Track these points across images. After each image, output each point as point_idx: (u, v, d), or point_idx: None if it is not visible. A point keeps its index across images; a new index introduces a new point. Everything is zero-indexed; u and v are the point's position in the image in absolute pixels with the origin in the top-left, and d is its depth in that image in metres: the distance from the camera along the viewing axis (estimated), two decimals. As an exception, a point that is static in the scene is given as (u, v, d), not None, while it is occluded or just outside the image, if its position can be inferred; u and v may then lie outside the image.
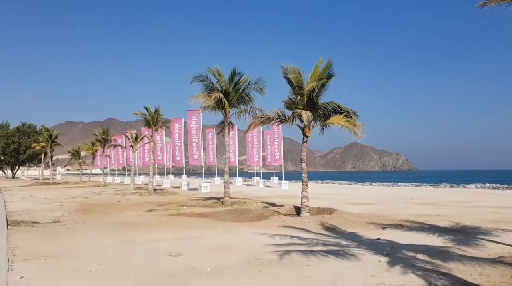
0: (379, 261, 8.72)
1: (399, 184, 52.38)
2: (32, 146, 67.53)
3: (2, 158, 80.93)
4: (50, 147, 60.30)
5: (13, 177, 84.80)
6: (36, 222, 15.29)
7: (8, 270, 7.89)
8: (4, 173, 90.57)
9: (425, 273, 7.67)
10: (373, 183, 55.27)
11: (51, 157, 62.21)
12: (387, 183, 54.19)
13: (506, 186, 41.54)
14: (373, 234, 12.22)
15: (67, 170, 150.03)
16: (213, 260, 8.83)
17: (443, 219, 15.50)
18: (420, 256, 9.14)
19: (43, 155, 65.75)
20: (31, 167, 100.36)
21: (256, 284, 7.11)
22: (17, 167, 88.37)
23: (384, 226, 13.67)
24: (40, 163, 72.14)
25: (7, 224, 14.37)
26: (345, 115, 15.36)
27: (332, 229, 13.15)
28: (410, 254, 9.37)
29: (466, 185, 45.73)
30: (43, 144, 60.33)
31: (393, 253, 9.41)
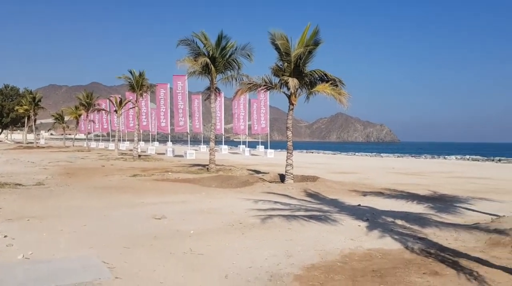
0: (359, 226, 8.96)
1: (381, 154, 53.09)
2: (15, 108, 66.29)
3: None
4: (34, 110, 59.31)
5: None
6: (20, 184, 15.23)
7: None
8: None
9: (402, 237, 7.92)
10: (356, 153, 55.93)
11: (35, 121, 61.28)
12: (370, 153, 54.87)
13: (485, 158, 42.46)
14: (354, 200, 12.49)
15: (51, 134, 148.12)
16: (197, 223, 8.97)
17: (423, 188, 15.87)
18: (398, 221, 9.42)
19: (26, 118, 64.68)
20: (15, 130, 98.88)
21: (238, 245, 7.27)
22: (0, 130, 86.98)
23: (365, 194, 13.96)
24: (24, 126, 71.05)
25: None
26: (331, 83, 15.36)
27: (314, 196, 13.38)
28: (389, 219, 9.64)
29: (446, 157, 46.59)
30: (26, 107, 59.28)
31: (373, 219, 9.66)
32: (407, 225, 9.09)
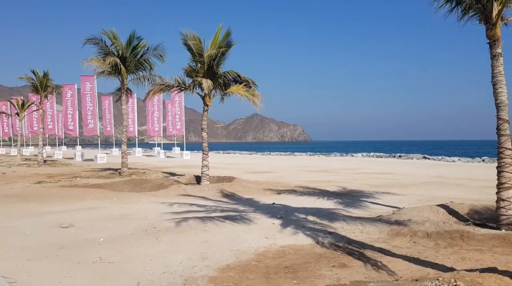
0: (273, 224, 9.17)
1: (295, 153, 54.92)
2: None
3: None
4: None
5: None
6: None
7: None
8: None
9: (313, 232, 8.25)
10: (272, 153, 57.27)
11: None
12: (285, 153, 56.50)
13: (387, 155, 45.69)
14: (269, 199, 12.77)
15: None
16: (107, 231, 8.59)
17: (333, 185, 16.68)
18: (310, 217, 9.79)
19: None
20: None
21: (152, 251, 7.09)
22: None
23: (279, 192, 14.34)
24: None
25: None
26: (245, 85, 15.57)
27: (230, 196, 13.47)
28: (302, 216, 9.99)
29: (354, 154, 49.39)
30: None
31: (286, 216, 9.95)
32: (318, 220, 9.49)
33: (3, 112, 46.31)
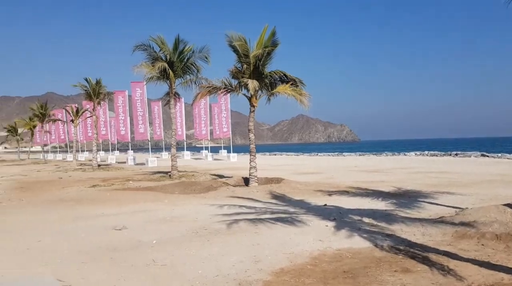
0: (326, 226, 8.82)
1: (343, 153, 53.87)
2: (-38, 122, 62.99)
3: None
4: (-17, 124, 56.51)
5: None
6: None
7: None
8: None
9: (371, 235, 7.83)
10: (319, 154, 56.49)
11: (-15, 134, 58.40)
12: (333, 153, 55.57)
13: (442, 153, 43.80)
14: (320, 200, 12.40)
15: (5, 147, 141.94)
16: (159, 233, 8.57)
17: (386, 185, 16.02)
18: (365, 219, 9.35)
19: (-25, 132, 61.55)
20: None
21: (204, 253, 6.95)
22: None
23: (330, 193, 13.92)
24: (-27, 140, 67.54)
25: None
26: (291, 84, 15.27)
27: (280, 198, 13.21)
28: (356, 218, 9.57)
29: (406, 153, 47.76)
30: (-26, 120, 56.40)
31: (340, 218, 9.56)
32: (375, 222, 9.04)
33: (59, 120, 48.48)
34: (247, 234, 8.18)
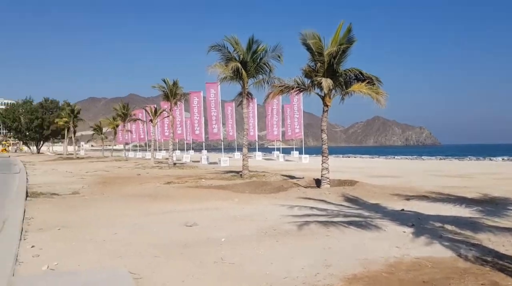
0: (404, 232, 8.27)
1: (422, 157, 51.31)
2: (55, 121, 68.46)
3: (27, 133, 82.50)
4: (73, 122, 61.03)
5: (38, 152, 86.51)
6: (55, 194, 15.29)
7: (20, 240, 7.75)
8: (29, 148, 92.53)
9: (453, 244, 7.19)
10: (396, 157, 54.28)
11: (74, 132, 63.07)
12: (410, 156, 53.14)
13: (535, 159, 40.17)
14: (396, 205, 11.74)
15: (92, 145, 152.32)
16: (229, 230, 8.53)
17: (470, 191, 14.85)
18: (447, 227, 8.65)
19: (66, 130, 66.62)
20: (56, 142, 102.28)
21: (272, 254, 6.77)
22: (41, 142, 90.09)
23: (408, 198, 13.15)
24: (64, 138, 73.23)
25: (27, 196, 14.39)
26: (367, 82, 14.67)
27: (353, 201, 12.70)
28: (437, 224, 8.88)
29: (492, 158, 44.43)
30: (65, 119, 61.11)
31: (419, 224, 8.93)
32: (458, 230, 8.32)
33: (139, 119, 50.97)
34: (318, 237, 7.88)
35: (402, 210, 10.92)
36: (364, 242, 7.46)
